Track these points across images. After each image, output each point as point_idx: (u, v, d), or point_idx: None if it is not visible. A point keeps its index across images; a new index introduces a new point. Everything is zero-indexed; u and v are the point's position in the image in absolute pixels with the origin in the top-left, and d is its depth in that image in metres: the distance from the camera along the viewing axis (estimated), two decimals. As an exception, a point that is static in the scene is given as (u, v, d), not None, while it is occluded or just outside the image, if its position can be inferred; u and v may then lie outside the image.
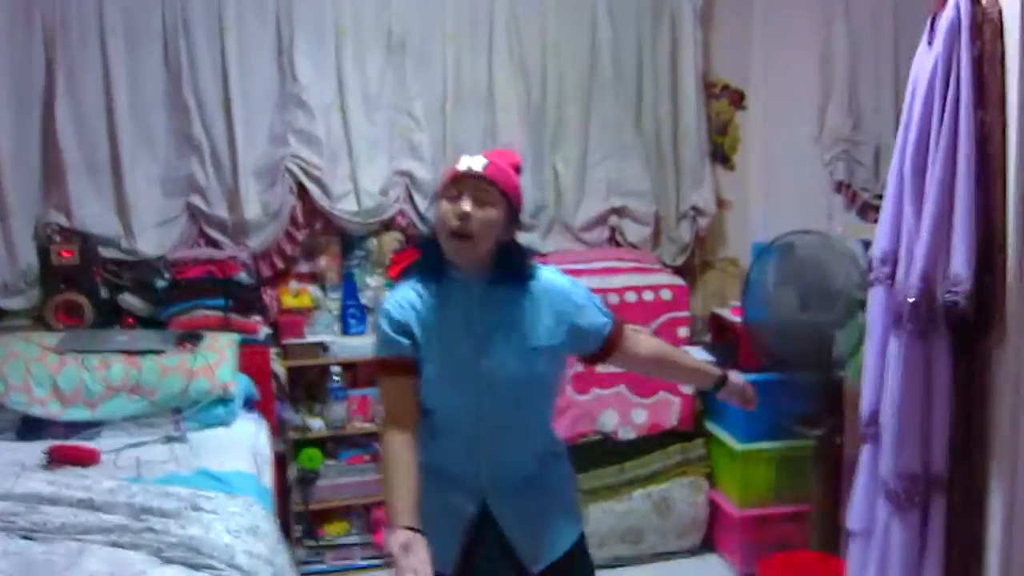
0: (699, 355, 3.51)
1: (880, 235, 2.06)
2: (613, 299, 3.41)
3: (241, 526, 1.84)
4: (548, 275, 1.92)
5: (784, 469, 3.32)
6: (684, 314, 3.50)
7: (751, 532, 3.30)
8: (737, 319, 3.39)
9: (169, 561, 1.69)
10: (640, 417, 3.45)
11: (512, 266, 1.86)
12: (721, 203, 4.01)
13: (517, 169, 1.88)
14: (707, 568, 3.45)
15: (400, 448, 1.75)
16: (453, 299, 1.84)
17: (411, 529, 1.63)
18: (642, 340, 2.02)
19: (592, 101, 3.75)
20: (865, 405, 2.08)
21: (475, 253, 1.80)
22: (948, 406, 1.80)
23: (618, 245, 3.86)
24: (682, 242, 3.91)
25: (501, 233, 1.82)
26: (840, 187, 3.82)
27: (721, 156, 4.05)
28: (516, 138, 3.60)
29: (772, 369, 3.21)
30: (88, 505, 1.85)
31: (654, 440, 3.46)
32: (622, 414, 3.44)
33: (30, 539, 1.76)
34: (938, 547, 1.83)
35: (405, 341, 1.81)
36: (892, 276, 1.97)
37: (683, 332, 3.49)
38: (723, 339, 3.60)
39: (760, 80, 3.97)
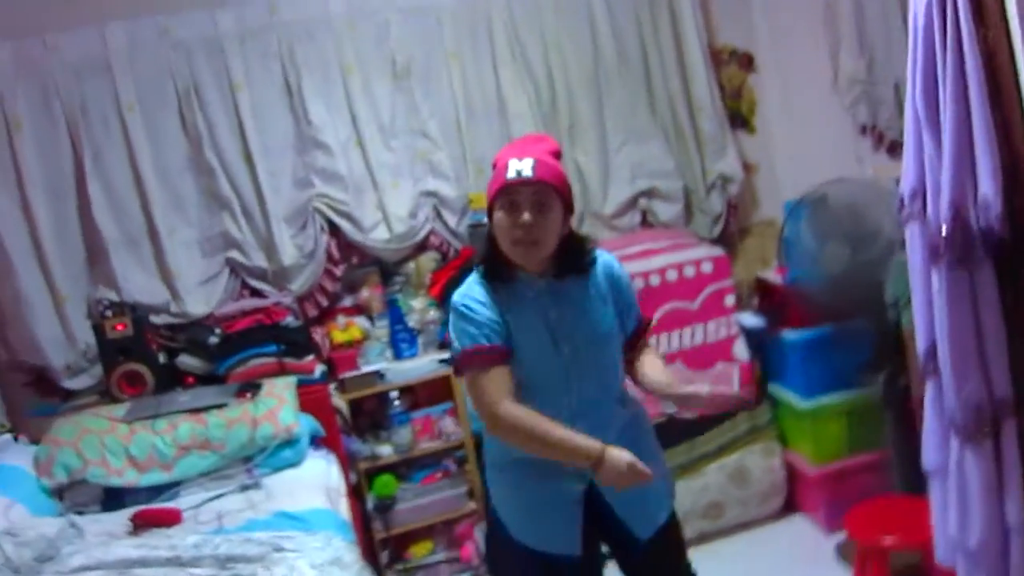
0: (748, 321, 3.50)
1: (906, 171, 2.03)
2: (655, 280, 3.41)
3: (324, 560, 1.90)
4: (607, 260, 2.01)
5: (854, 420, 3.29)
6: (728, 283, 3.48)
7: (831, 488, 3.28)
8: (781, 280, 3.37)
9: (259, 604, 1.75)
10: (702, 392, 3.43)
11: (574, 257, 1.93)
12: (748, 167, 3.99)
13: (558, 155, 1.94)
14: (793, 530, 3.43)
15: (527, 411, 1.82)
16: (523, 297, 1.91)
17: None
18: (649, 354, 2.10)
19: (602, 90, 3.76)
20: (921, 342, 2.05)
21: (542, 255, 1.87)
22: (1001, 330, 1.77)
23: (651, 226, 3.86)
24: (714, 213, 3.89)
25: (562, 228, 1.88)
26: (865, 130, 3.76)
27: (740, 121, 4.03)
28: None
29: (825, 323, 3.19)
30: (176, 563, 1.92)
31: (720, 412, 3.45)
32: (683, 392, 3.42)
33: (128, 602, 1.83)
34: (1016, 473, 1.80)
35: (496, 330, 1.86)
36: (924, 211, 1.95)
37: (729, 301, 3.46)
38: (770, 302, 3.57)
39: (766, 38, 3.94)
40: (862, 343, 3.12)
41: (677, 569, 2.18)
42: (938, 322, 1.84)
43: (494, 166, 1.90)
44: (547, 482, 1.94)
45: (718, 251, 3.54)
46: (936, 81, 1.77)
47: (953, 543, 1.95)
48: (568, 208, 1.90)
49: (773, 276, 3.54)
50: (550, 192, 1.83)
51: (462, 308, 1.89)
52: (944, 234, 1.73)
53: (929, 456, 2.08)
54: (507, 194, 1.82)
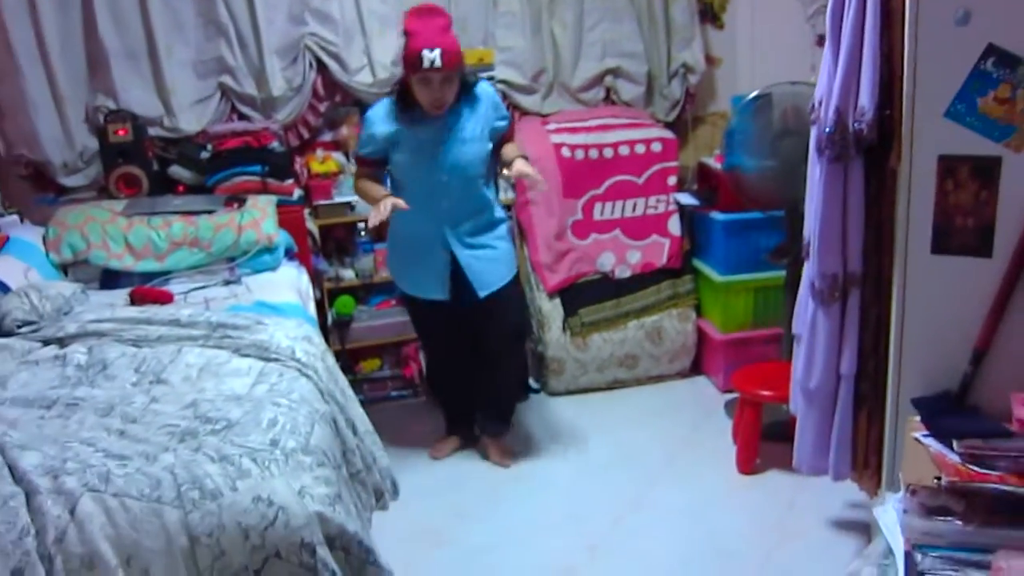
0: (685, 200, 3.90)
1: (820, 80, 2.40)
2: (608, 153, 3.77)
3: (297, 335, 2.31)
4: (484, 88, 2.98)
5: (761, 297, 3.73)
6: (673, 164, 3.85)
7: (732, 353, 3.74)
8: (719, 166, 3.74)
9: (246, 356, 2.17)
10: (634, 257, 3.87)
11: (462, 95, 2.89)
12: (711, 60, 4.29)
13: (449, 26, 2.77)
14: (694, 387, 3.94)
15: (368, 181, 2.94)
16: (418, 125, 2.86)
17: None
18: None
19: (585, -33, 4.00)
20: (807, 229, 2.46)
21: (447, 108, 2.84)
22: (861, 217, 2.18)
23: (613, 103, 4.18)
24: (673, 98, 4.22)
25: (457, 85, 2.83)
26: (821, 40, 4.05)
27: (711, 16, 4.29)
28: (515, 5, 3.92)
29: (750, 208, 3.59)
30: (175, 323, 2.32)
31: (648, 277, 3.88)
32: (618, 255, 3.85)
33: (138, 346, 2.24)
34: (854, 331, 2.25)
35: (380, 144, 2.90)
36: (826, 114, 2.31)
37: (672, 180, 3.85)
38: (707, 185, 3.96)
39: (746, -61, 4.16)
40: (777, 231, 3.53)
41: (506, 320, 3.16)
42: (815, 207, 2.25)
43: (406, 37, 2.76)
44: (422, 250, 2.98)
45: (669, 134, 3.90)
46: (843, 7, 2.12)
47: (797, 386, 2.43)
48: (462, 70, 2.84)
49: (713, 162, 3.91)
50: (453, 71, 2.75)
51: (366, 119, 2.96)
52: (827, 133, 2.12)
53: (798, 322, 2.53)
54: (421, 73, 2.70)
